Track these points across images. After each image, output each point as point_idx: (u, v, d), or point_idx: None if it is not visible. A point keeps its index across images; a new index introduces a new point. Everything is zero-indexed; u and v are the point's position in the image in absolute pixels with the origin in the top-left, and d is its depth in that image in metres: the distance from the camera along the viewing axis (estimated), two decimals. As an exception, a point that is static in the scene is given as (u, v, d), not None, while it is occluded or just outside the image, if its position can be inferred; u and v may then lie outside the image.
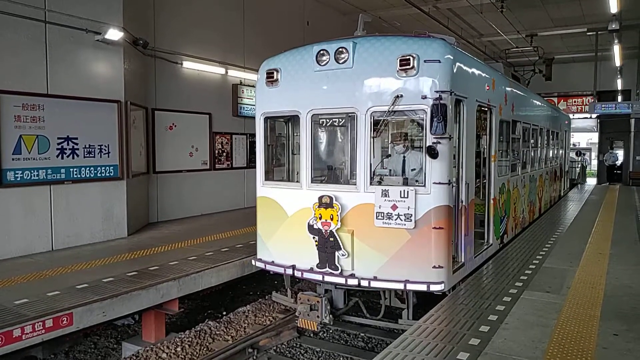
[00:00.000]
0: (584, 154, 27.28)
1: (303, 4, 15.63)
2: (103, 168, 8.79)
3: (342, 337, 6.70)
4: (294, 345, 6.51)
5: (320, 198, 5.71)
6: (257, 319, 7.17)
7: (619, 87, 24.07)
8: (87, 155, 8.52)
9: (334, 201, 5.62)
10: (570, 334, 4.25)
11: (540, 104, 11.95)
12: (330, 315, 6.00)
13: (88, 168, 8.54)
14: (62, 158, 8.14)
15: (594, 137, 30.46)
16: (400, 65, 5.32)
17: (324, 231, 5.71)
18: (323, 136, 6.66)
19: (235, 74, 12.94)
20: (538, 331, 4.34)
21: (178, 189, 11.54)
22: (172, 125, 11.33)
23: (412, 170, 6.00)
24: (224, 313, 7.65)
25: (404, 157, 6.19)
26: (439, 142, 5.20)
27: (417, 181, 5.71)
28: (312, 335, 6.71)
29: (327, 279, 5.77)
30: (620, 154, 27.38)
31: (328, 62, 5.76)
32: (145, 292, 6.06)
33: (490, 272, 6.47)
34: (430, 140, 5.21)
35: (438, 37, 5.56)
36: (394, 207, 5.33)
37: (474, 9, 15.43)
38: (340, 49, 5.67)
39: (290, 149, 6.96)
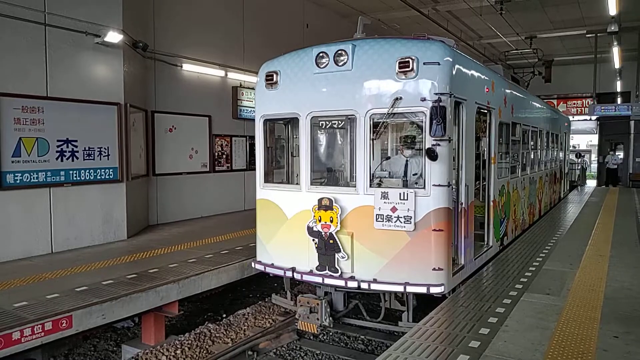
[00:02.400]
0: (584, 156, 27.19)
1: (302, 6, 15.65)
2: (103, 170, 8.78)
3: (342, 340, 6.68)
4: (294, 347, 6.50)
5: (320, 200, 5.71)
6: (257, 322, 7.16)
7: (619, 89, 24.10)
8: (87, 157, 8.52)
9: (334, 203, 5.62)
10: (571, 336, 4.24)
11: (539, 106, 11.96)
12: (330, 318, 6.00)
13: (88, 170, 8.53)
14: (62, 160, 8.13)
15: (594, 139, 30.47)
16: (400, 68, 5.32)
17: (323, 233, 5.71)
18: (322, 138, 6.66)
19: (235, 77, 12.95)
20: (538, 333, 4.33)
21: (178, 192, 11.54)
22: (171, 127, 11.33)
23: (414, 175, 6.00)
24: (224, 315, 7.64)
25: (407, 160, 6.18)
26: (439, 145, 5.20)
27: (416, 183, 5.71)
28: (312, 337, 6.70)
29: (327, 281, 5.77)
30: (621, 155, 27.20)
31: (327, 64, 5.77)
32: (145, 294, 6.05)
33: (490, 274, 6.46)
34: (429, 142, 5.21)
35: (437, 40, 5.56)
36: (394, 209, 5.33)
37: (474, 11, 15.47)
38: (340, 52, 5.68)
39: (290, 151, 6.96)
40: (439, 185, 5.29)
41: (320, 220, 5.71)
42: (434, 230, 5.30)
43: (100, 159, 8.74)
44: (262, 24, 13.69)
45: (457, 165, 5.98)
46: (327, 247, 5.70)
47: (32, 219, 7.82)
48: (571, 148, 22.52)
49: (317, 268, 5.82)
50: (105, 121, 8.79)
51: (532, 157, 10.79)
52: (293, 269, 6.06)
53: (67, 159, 8.21)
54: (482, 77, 6.70)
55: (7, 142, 7.40)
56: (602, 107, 19.17)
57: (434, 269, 5.33)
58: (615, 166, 24.44)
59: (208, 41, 12.16)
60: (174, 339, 6.42)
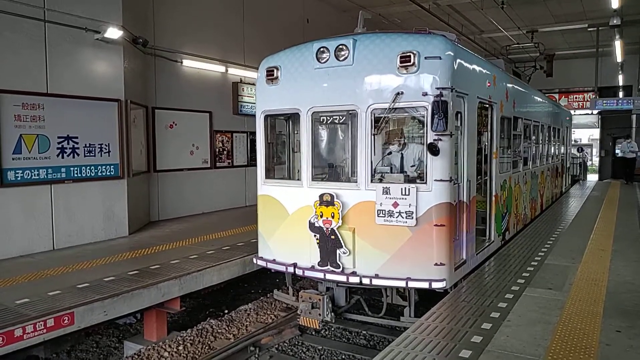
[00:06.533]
0: (585, 150, 26.87)
1: (303, 1, 15.58)
2: (103, 167, 8.78)
3: (344, 335, 6.69)
4: (296, 343, 6.51)
5: (321, 196, 5.70)
6: (259, 317, 7.16)
7: (620, 83, 23.96)
8: (88, 154, 8.51)
9: (335, 199, 5.61)
10: (573, 331, 4.24)
11: (541, 100, 11.91)
12: (332, 313, 6.00)
13: (88, 167, 8.52)
14: (63, 157, 8.12)
15: (596, 133, 30.38)
16: (401, 62, 5.30)
17: (325, 229, 5.70)
18: (324, 134, 6.64)
19: (236, 72, 12.92)
20: (540, 328, 4.33)
21: (179, 188, 11.53)
22: (172, 123, 11.32)
23: (412, 166, 5.99)
24: (226, 311, 7.65)
25: (402, 154, 6.16)
26: (440, 139, 5.18)
27: (418, 172, 5.67)
28: (313, 333, 6.70)
29: (329, 277, 5.77)
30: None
31: (328, 59, 5.74)
32: (147, 291, 6.05)
33: (492, 269, 6.45)
34: (431, 137, 5.19)
35: (438, 34, 5.53)
36: (395, 205, 5.32)
37: (475, 5, 15.39)
38: (341, 46, 5.65)
39: (291, 147, 6.94)
40: (441, 180, 5.27)
41: (321, 216, 5.70)
42: (436, 225, 5.28)
43: (101, 156, 8.73)
44: (262, 20, 13.64)
45: (459, 160, 5.96)
46: (329, 243, 5.69)
47: (33, 216, 7.82)
48: (573, 142, 22.41)
49: (318, 264, 5.81)
50: (105, 117, 8.77)
51: (534, 151, 10.76)
52: (295, 265, 6.05)
53: (68, 155, 8.20)
54: (484, 71, 6.67)
55: (7, 139, 7.39)
56: (604, 101, 19.09)
57: (435, 264, 5.32)
58: (634, 155, 20.24)
59: (208, 37, 12.12)
60: (176, 335, 6.43)
